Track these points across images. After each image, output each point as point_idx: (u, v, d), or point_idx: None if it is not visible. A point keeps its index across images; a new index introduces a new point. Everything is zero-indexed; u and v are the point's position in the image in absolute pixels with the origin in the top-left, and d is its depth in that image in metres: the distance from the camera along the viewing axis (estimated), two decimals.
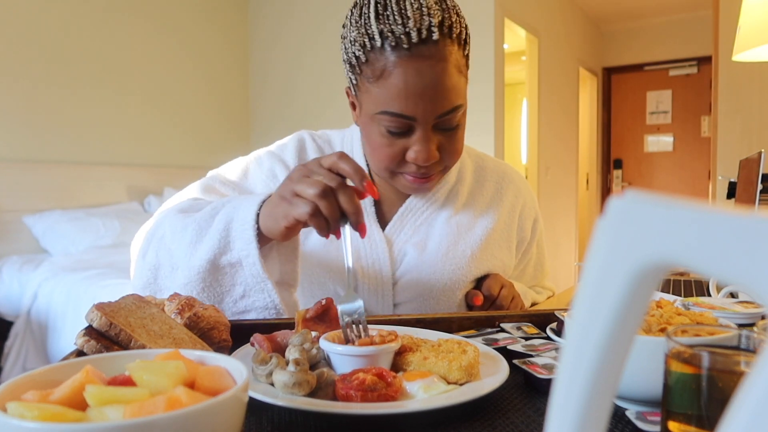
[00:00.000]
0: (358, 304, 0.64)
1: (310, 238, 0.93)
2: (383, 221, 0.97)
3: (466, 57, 0.85)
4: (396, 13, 0.78)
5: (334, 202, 0.67)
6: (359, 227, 0.68)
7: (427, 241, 0.95)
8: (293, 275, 0.83)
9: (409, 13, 0.78)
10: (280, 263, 0.82)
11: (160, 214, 0.87)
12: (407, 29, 0.77)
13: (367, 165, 0.98)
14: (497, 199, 1.03)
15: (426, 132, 0.81)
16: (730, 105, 3.65)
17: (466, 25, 0.84)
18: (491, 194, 1.03)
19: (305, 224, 0.69)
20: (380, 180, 0.98)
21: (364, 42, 0.80)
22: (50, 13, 3.40)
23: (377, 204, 0.98)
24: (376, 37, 0.79)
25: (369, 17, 0.80)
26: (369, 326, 0.63)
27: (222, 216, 0.77)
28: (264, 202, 0.75)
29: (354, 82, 0.86)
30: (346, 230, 0.68)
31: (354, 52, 0.82)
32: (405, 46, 0.77)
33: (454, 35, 0.80)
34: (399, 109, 0.80)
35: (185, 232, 0.78)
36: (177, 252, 0.79)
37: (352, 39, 0.82)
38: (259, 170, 0.97)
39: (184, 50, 4.27)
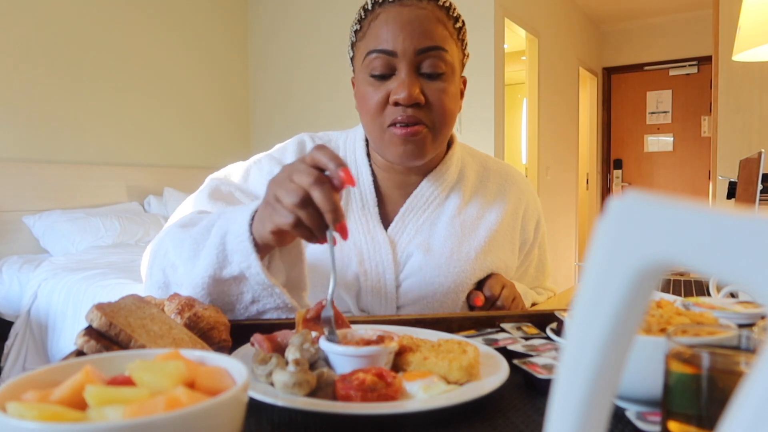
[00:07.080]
0: (327, 312, 0.61)
1: (310, 246, 0.90)
2: (386, 221, 0.97)
3: (458, 30, 0.91)
4: None
5: (314, 212, 0.64)
6: (339, 228, 0.63)
7: (431, 242, 0.95)
8: (301, 279, 0.81)
9: None
10: (286, 270, 0.80)
11: (164, 230, 0.86)
12: None
13: (369, 163, 0.98)
14: (500, 200, 1.03)
15: (408, 71, 0.86)
16: (730, 105, 3.65)
17: (455, 8, 0.92)
18: (494, 194, 1.03)
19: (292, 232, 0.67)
20: (382, 177, 0.98)
21: (359, 15, 0.91)
22: (50, 12, 3.40)
23: (380, 204, 0.98)
24: (369, 4, 0.89)
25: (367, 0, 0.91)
26: (371, 327, 0.63)
27: (217, 230, 0.75)
28: (256, 210, 0.73)
29: (351, 55, 0.94)
30: (331, 236, 0.65)
31: (353, 30, 0.92)
32: (390, 0, 0.87)
33: (440, 2, 0.88)
34: (380, 45, 0.86)
35: (183, 248, 0.77)
36: (180, 268, 0.77)
37: (352, 23, 0.93)
38: (258, 173, 0.97)
39: (183, 50, 4.27)
